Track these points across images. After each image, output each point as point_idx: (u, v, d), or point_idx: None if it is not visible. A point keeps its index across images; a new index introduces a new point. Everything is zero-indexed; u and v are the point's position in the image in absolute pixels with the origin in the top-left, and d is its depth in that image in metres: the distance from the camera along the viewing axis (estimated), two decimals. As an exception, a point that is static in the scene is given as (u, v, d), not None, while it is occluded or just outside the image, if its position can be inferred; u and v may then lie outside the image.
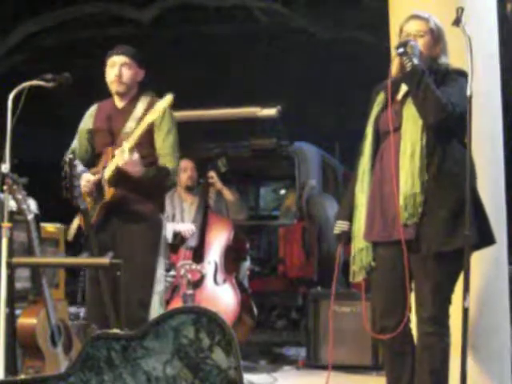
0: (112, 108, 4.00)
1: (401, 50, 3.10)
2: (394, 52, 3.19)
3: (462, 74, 3.17)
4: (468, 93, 2.99)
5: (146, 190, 3.83)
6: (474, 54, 2.99)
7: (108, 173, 3.78)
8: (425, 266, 3.07)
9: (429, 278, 3.07)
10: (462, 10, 3.00)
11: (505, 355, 3.88)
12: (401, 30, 3.28)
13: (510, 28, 6.96)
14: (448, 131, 3.09)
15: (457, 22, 3.01)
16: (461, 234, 2.98)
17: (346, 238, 3.33)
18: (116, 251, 3.62)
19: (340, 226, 3.34)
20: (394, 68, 3.20)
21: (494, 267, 3.86)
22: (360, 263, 3.21)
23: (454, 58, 3.29)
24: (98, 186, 3.82)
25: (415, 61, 3.08)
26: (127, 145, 3.61)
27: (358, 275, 3.24)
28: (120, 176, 3.74)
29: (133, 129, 3.77)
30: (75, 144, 4.04)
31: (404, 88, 3.23)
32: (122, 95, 3.95)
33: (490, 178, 3.85)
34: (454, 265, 3.06)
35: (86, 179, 3.80)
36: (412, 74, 3.08)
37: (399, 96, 3.25)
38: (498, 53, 4.11)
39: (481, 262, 3.65)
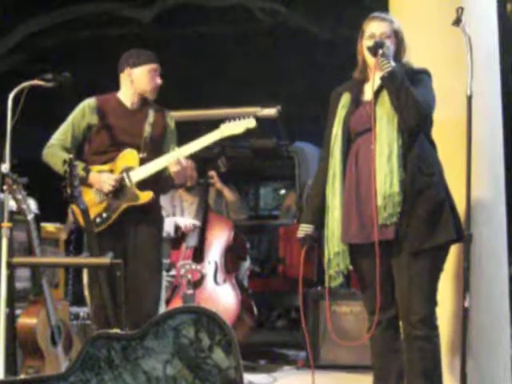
0: (120, 108, 3.96)
1: (380, 51, 3.05)
2: (366, 53, 3.13)
3: (426, 73, 3.18)
4: (468, 93, 2.99)
5: (159, 191, 3.98)
6: (473, 53, 2.99)
7: (141, 176, 3.82)
8: (407, 265, 3.06)
9: (412, 277, 3.06)
10: (462, 9, 3.00)
11: (505, 355, 3.88)
12: (362, 31, 3.20)
13: (510, 28, 6.95)
14: (420, 131, 3.09)
15: (457, 21, 3.02)
16: (439, 231, 3.00)
17: (311, 241, 3.29)
18: (131, 250, 3.82)
19: (303, 229, 3.30)
20: (357, 69, 3.21)
21: (494, 267, 3.86)
22: (337, 267, 3.18)
23: (454, 58, 3.29)
24: (119, 185, 3.84)
25: (393, 63, 3.05)
26: (183, 153, 3.79)
27: (334, 280, 3.20)
28: (150, 179, 3.83)
29: (150, 133, 3.87)
30: (61, 135, 3.95)
31: (369, 89, 3.17)
32: (142, 100, 3.96)
33: (490, 177, 3.85)
34: (435, 262, 3.07)
35: (107, 178, 3.80)
36: (392, 77, 3.04)
37: (366, 97, 3.22)
38: (498, 53, 4.11)
39: (481, 262, 3.65)
